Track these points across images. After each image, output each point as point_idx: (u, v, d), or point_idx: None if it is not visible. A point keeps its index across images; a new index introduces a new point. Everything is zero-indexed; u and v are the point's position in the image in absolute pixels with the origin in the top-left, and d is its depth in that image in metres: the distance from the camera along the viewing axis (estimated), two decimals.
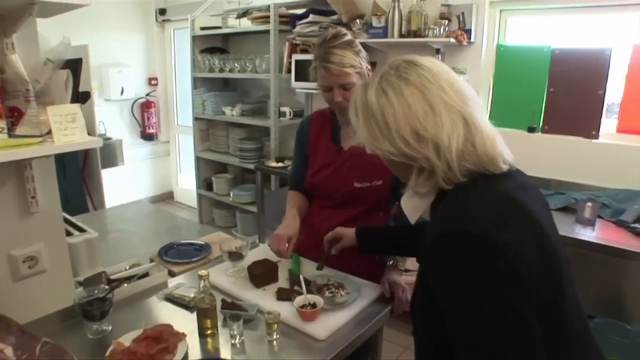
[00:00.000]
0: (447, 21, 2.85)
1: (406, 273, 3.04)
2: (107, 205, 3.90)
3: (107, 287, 1.37)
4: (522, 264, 0.74)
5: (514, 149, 0.93)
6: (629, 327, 2.04)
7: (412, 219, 0.98)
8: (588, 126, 2.70)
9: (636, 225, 2.24)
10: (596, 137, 2.68)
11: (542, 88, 2.80)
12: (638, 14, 2.54)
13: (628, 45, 2.58)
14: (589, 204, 2.32)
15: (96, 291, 1.30)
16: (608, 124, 2.73)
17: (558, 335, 0.81)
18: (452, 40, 2.78)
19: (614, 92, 2.67)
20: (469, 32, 2.86)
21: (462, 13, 2.86)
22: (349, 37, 1.55)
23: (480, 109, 0.90)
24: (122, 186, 4.85)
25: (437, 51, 2.91)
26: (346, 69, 1.49)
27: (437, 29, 2.83)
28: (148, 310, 1.41)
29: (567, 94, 2.74)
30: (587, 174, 2.66)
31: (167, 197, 5.55)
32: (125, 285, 1.46)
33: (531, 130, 2.86)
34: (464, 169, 0.84)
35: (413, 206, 0.97)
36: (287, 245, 1.56)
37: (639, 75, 2.59)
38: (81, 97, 1.22)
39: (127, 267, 1.63)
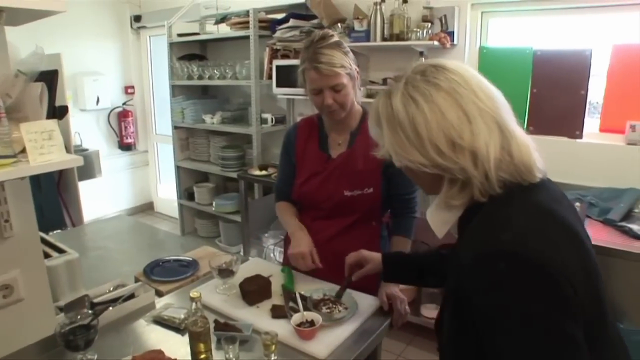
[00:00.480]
0: (429, 24, 2.84)
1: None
2: (86, 219, 3.79)
3: (90, 311, 1.29)
4: (569, 284, 0.70)
5: None
6: (622, 325, 2.04)
7: (440, 233, 0.93)
8: (572, 126, 2.71)
9: (623, 223, 2.25)
10: (580, 136, 2.69)
11: (526, 89, 2.80)
12: (616, 15, 2.57)
13: (608, 45, 2.60)
14: (578, 204, 2.32)
15: (79, 317, 1.22)
16: (591, 124, 2.75)
17: (602, 350, 0.78)
18: (436, 43, 2.77)
19: (596, 92, 2.69)
20: (451, 34, 2.85)
21: (445, 15, 2.85)
22: (336, 38, 1.52)
23: (511, 114, 0.84)
24: (100, 199, 4.72)
25: (421, 54, 2.89)
26: (336, 69, 1.46)
27: (420, 31, 2.81)
28: (136, 335, 1.33)
29: (550, 94, 2.75)
30: (572, 173, 2.67)
31: (147, 208, 5.41)
32: (111, 308, 1.38)
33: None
34: (501, 179, 0.80)
35: (441, 220, 0.91)
36: (312, 258, 1.53)
37: (619, 74, 2.62)
38: (58, 112, 1.13)
39: (111, 289, 1.54)
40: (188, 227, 4.51)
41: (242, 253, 3.65)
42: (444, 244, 3.07)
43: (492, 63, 2.91)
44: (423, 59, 2.89)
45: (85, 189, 4.04)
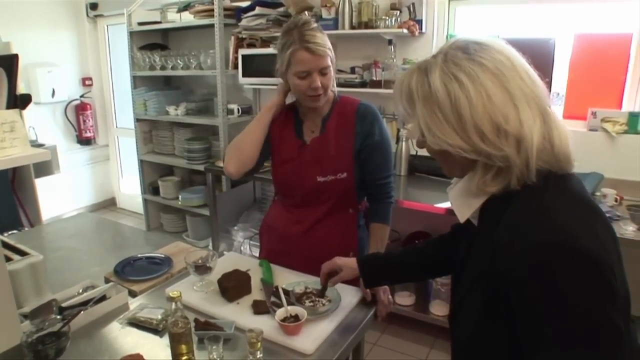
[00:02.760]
0: (398, 12, 2.83)
1: None
2: (44, 218, 3.61)
3: (59, 317, 1.21)
4: (612, 274, 0.69)
5: None
6: None
7: (462, 217, 0.89)
8: None
9: None
10: None
11: None
12: (578, 5, 2.63)
13: (570, 34, 2.67)
14: None
15: (47, 324, 1.14)
16: (555, 111, 2.81)
17: (629, 337, 0.77)
18: (405, 31, 2.76)
19: (560, 80, 2.76)
20: (420, 22, 2.86)
21: (413, 3, 2.84)
22: (317, 24, 1.49)
23: (550, 102, 0.81)
24: (59, 196, 4.51)
25: (390, 42, 2.88)
26: (327, 49, 1.45)
27: (389, 19, 2.80)
28: (110, 340, 1.26)
29: None
30: None
31: (109, 204, 5.22)
32: (82, 312, 1.30)
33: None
34: (539, 168, 0.77)
35: (466, 204, 0.87)
36: None
37: (581, 62, 2.69)
38: (20, 102, 1.04)
39: (80, 291, 1.46)
40: (153, 222, 4.38)
41: (210, 247, 3.58)
42: (416, 232, 3.09)
43: None
44: (392, 47, 2.88)
45: (42, 186, 3.85)
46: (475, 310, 0.84)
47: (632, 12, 2.53)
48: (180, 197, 3.96)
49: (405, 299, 2.76)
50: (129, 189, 5.01)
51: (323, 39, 1.45)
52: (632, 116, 2.55)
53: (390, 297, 1.46)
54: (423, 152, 3.06)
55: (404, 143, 2.90)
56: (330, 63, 1.47)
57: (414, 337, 2.77)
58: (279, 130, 1.64)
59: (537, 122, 0.76)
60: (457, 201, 0.90)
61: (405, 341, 2.75)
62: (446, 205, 2.41)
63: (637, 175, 2.52)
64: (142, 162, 4.19)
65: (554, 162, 0.78)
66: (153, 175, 4.26)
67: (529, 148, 0.75)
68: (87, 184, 4.99)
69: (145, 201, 4.29)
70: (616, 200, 2.37)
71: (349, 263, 1.31)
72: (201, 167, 3.57)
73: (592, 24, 2.64)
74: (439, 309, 2.66)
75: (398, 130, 2.93)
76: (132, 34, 3.90)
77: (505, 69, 0.77)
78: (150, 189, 4.24)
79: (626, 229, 2.08)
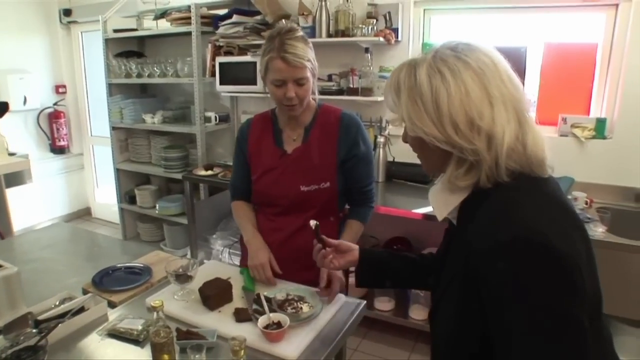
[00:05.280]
0: (374, 20, 2.88)
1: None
2: (16, 229, 3.52)
3: (35, 330, 1.19)
4: (580, 273, 0.73)
5: None
6: None
7: (440, 215, 0.93)
8: None
9: None
10: None
11: None
12: (548, 15, 2.73)
13: (540, 43, 2.76)
14: None
15: (22, 338, 1.12)
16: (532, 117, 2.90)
17: (598, 338, 0.81)
18: (381, 39, 2.81)
19: (532, 87, 2.84)
20: (396, 31, 2.91)
21: (389, 12, 2.90)
22: (302, 33, 1.50)
23: (531, 108, 0.85)
24: (32, 206, 4.40)
25: (366, 50, 2.92)
26: (304, 61, 1.45)
27: (365, 28, 2.84)
28: (90, 352, 1.23)
29: None
30: None
31: (83, 214, 5.11)
32: (60, 325, 1.28)
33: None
34: (510, 168, 0.80)
35: (444, 201, 0.91)
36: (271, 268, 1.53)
37: (551, 70, 2.78)
38: None
39: (57, 303, 1.43)
40: (130, 232, 4.31)
41: (189, 256, 3.54)
42: (394, 237, 3.12)
43: None
44: (368, 55, 2.92)
45: (14, 197, 3.75)
46: (452, 307, 0.88)
47: (598, 23, 2.64)
48: (157, 205, 3.91)
49: (384, 304, 2.79)
50: (105, 198, 4.91)
51: (304, 50, 1.45)
52: (599, 122, 2.64)
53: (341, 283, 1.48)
54: (401, 158, 3.11)
55: (381, 150, 2.94)
56: (308, 74, 1.47)
57: (394, 342, 2.79)
58: (256, 144, 1.65)
59: (511, 123, 0.80)
60: (435, 198, 0.93)
61: (385, 346, 2.77)
62: (424, 210, 2.45)
63: (606, 179, 2.62)
64: (118, 171, 4.12)
65: (526, 164, 0.81)
66: (129, 184, 4.20)
67: (499, 145, 0.79)
68: (61, 193, 4.88)
69: (121, 210, 4.22)
70: (586, 203, 2.46)
71: (354, 249, 1.26)
72: (179, 176, 3.54)
73: (561, 33, 2.74)
74: (418, 313, 2.69)
75: (375, 137, 2.97)
76: (107, 41, 3.85)
77: (487, 69, 0.81)
78: (127, 197, 4.17)
79: (596, 231, 2.15)
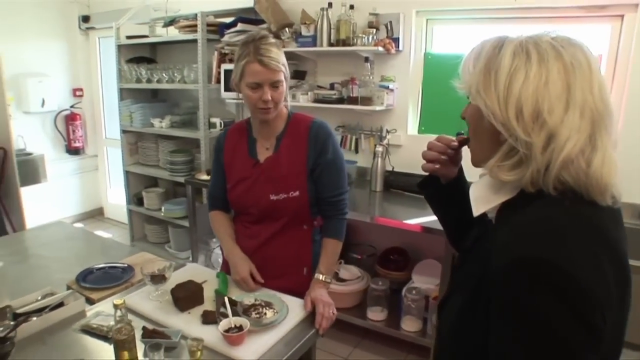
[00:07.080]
0: (375, 30, 2.90)
1: (340, 283, 3.02)
2: (30, 225, 3.65)
3: (12, 323, 1.25)
4: (601, 315, 0.66)
5: None
6: None
7: (477, 210, 0.87)
8: None
9: None
10: None
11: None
12: (553, 26, 2.66)
13: None
14: None
15: None
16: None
17: None
18: (381, 48, 2.83)
19: None
20: (397, 40, 2.92)
21: (390, 22, 2.92)
22: (274, 40, 1.53)
23: (614, 132, 0.76)
24: (46, 204, 4.55)
25: (366, 59, 2.95)
26: (279, 64, 1.48)
27: (366, 37, 2.87)
28: (63, 346, 1.29)
29: None
30: None
31: (96, 214, 5.25)
32: (35, 319, 1.34)
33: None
34: (561, 180, 0.73)
35: (484, 197, 0.85)
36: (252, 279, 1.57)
37: None
38: None
39: (39, 298, 1.49)
40: (138, 233, 4.40)
41: (190, 259, 3.60)
42: (391, 247, 3.11)
43: (436, 69, 3.00)
44: (368, 64, 2.95)
45: (29, 195, 3.89)
46: (460, 300, 0.85)
47: (603, 34, 2.60)
48: (163, 208, 3.99)
49: (377, 314, 2.78)
50: (117, 199, 5.04)
51: (278, 55, 1.49)
52: None
53: (334, 311, 1.46)
54: (399, 168, 3.08)
55: (380, 159, 2.95)
56: (282, 78, 1.50)
57: (386, 353, 2.79)
58: (231, 154, 1.68)
59: (582, 133, 0.72)
60: (477, 193, 0.88)
61: (377, 356, 2.76)
62: (421, 221, 2.44)
63: None
64: (127, 173, 4.23)
65: (583, 184, 0.73)
66: (138, 186, 4.29)
67: (557, 149, 0.71)
68: (75, 193, 5.03)
69: (130, 212, 4.32)
70: None
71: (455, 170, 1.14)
72: (183, 180, 3.61)
73: None
74: (410, 325, 2.68)
75: (375, 146, 2.99)
76: (120, 47, 3.97)
77: (579, 69, 0.73)
78: (135, 199, 4.27)
79: None
